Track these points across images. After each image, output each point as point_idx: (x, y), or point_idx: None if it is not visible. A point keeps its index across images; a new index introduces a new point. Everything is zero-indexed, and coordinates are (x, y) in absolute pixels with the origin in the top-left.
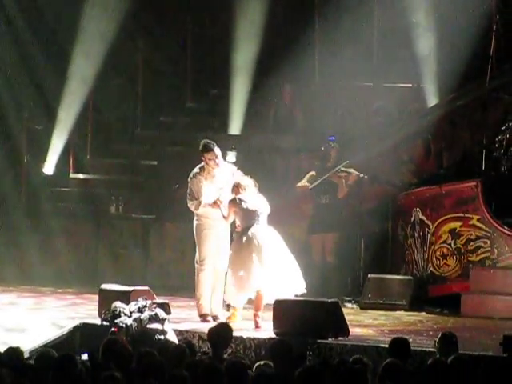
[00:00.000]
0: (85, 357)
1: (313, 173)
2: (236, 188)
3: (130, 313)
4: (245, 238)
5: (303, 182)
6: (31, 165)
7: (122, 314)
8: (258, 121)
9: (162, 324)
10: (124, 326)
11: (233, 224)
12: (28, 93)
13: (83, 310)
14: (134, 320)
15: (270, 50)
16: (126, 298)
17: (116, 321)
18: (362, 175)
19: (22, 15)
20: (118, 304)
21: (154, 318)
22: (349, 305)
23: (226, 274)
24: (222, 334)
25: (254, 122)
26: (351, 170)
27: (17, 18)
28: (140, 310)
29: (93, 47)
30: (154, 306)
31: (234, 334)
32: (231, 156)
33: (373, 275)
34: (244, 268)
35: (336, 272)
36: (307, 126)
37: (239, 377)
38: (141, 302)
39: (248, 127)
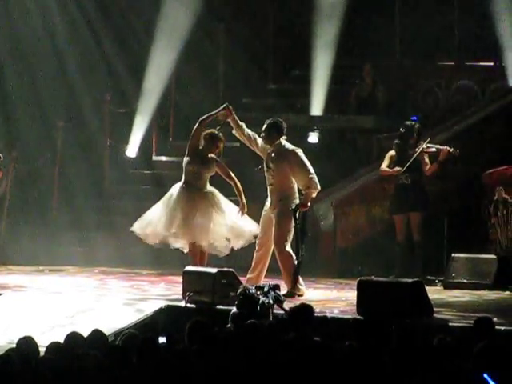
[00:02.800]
0: (163, 339)
1: (392, 153)
2: None
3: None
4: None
5: (386, 165)
6: (114, 148)
7: (259, 296)
8: (339, 101)
9: (282, 306)
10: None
11: None
12: (109, 76)
13: (156, 291)
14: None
15: (351, 29)
16: (210, 279)
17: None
18: (452, 149)
19: (97, 5)
20: (248, 286)
21: (278, 300)
22: (432, 284)
23: None
24: (305, 313)
25: (335, 103)
26: (441, 147)
27: (91, 7)
28: (265, 294)
29: (173, 30)
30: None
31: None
32: (313, 137)
33: (457, 254)
34: None
35: (420, 251)
36: (388, 105)
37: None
38: (265, 285)
39: (330, 108)
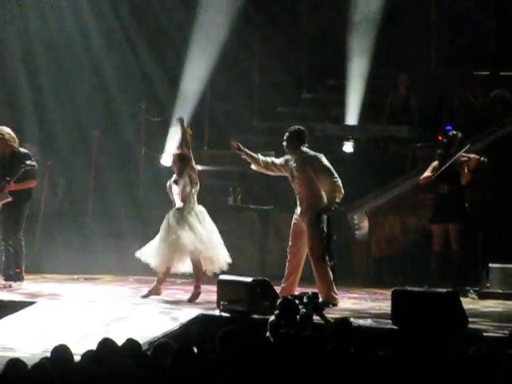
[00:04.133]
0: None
1: (435, 163)
2: None
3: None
4: None
5: (426, 174)
6: (149, 157)
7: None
8: (374, 111)
9: (322, 315)
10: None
11: None
12: (145, 85)
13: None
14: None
15: (386, 38)
16: (245, 289)
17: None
18: (482, 158)
19: (133, 14)
20: (288, 296)
21: (318, 310)
22: (467, 294)
23: None
24: (344, 327)
25: (370, 112)
26: (471, 155)
27: (127, 15)
28: (306, 304)
29: (209, 39)
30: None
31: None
32: (348, 146)
33: (493, 264)
34: None
35: (457, 261)
36: (423, 115)
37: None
38: (304, 295)
39: (364, 117)
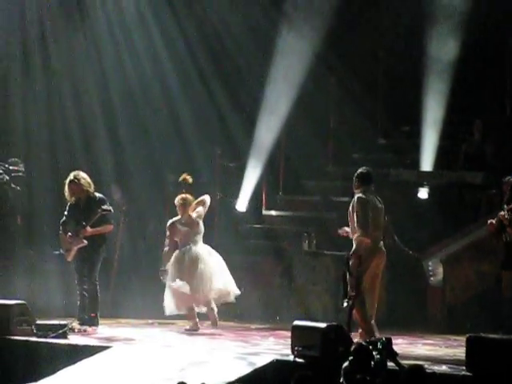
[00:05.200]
0: None
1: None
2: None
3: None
4: None
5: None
6: (224, 201)
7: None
8: (449, 157)
9: (396, 361)
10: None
11: None
12: (220, 130)
13: (265, 345)
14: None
15: (460, 83)
16: (319, 334)
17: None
18: None
19: (210, 58)
20: (362, 342)
21: (392, 356)
22: None
23: None
24: (418, 374)
25: (445, 158)
26: None
27: (204, 59)
28: (380, 350)
29: (285, 83)
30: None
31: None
32: (423, 192)
33: None
34: None
35: None
36: (498, 161)
37: None
38: (378, 340)
39: (439, 163)
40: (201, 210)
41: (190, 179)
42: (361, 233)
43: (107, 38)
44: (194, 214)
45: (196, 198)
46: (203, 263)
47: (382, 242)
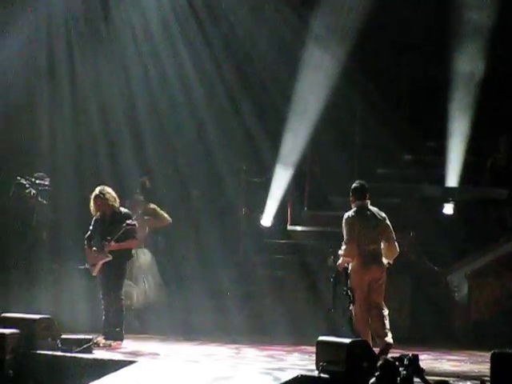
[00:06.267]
0: None
1: None
2: None
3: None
4: None
5: None
6: (249, 217)
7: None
8: (474, 172)
9: (423, 377)
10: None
11: None
12: (246, 145)
13: (290, 360)
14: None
15: (486, 98)
16: (344, 349)
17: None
18: None
19: (236, 74)
20: (389, 358)
21: (418, 372)
22: None
23: None
24: None
25: (470, 174)
26: None
27: (230, 75)
28: (406, 366)
29: (310, 98)
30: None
31: None
32: (448, 208)
33: None
34: None
35: None
36: None
37: None
38: (405, 356)
39: (465, 179)
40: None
41: (148, 184)
42: (343, 249)
43: (133, 53)
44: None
45: (149, 203)
46: None
47: (379, 257)
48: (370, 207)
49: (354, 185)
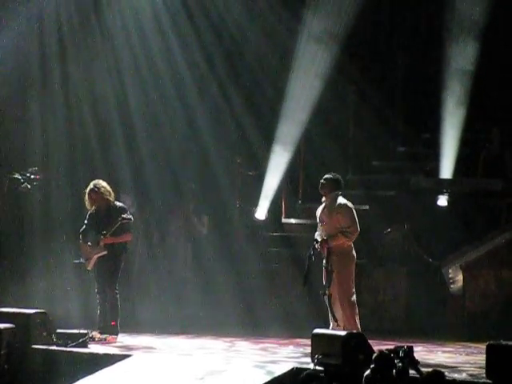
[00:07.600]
0: None
1: None
2: None
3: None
4: None
5: None
6: (243, 210)
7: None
8: (468, 164)
9: (418, 369)
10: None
11: None
12: (239, 139)
13: (284, 353)
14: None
15: (480, 91)
16: (339, 342)
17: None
18: None
19: (227, 67)
20: (384, 350)
21: (413, 364)
22: None
23: None
24: (438, 380)
25: (464, 166)
26: None
27: (222, 68)
28: (402, 358)
29: (303, 92)
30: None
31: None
32: (442, 200)
33: None
34: None
35: None
36: None
37: None
38: (400, 349)
39: (459, 171)
40: None
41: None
42: (350, 233)
43: (125, 49)
44: None
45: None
46: None
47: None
48: None
49: (335, 176)
